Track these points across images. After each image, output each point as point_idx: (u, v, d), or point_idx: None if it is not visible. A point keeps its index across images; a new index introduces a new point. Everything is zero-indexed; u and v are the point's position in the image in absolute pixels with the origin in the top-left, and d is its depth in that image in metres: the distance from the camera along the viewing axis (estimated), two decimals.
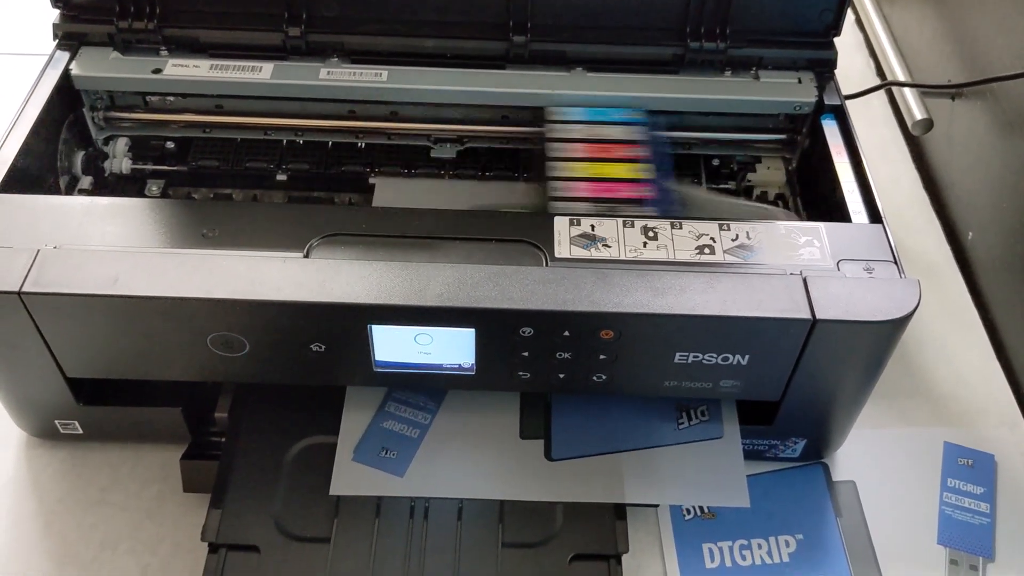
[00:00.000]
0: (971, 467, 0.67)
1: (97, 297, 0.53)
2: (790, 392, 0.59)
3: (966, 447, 0.68)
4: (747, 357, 0.56)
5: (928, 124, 0.84)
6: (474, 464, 0.60)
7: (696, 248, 0.58)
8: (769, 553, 0.61)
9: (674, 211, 0.63)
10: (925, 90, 0.87)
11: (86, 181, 0.70)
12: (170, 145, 0.74)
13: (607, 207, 0.62)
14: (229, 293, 0.53)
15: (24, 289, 0.52)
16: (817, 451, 0.66)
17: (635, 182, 0.64)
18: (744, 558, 0.61)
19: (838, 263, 0.57)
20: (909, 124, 0.86)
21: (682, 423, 0.62)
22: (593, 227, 0.59)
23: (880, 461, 0.67)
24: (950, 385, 0.72)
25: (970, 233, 0.82)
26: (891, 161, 0.91)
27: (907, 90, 0.88)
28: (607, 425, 0.62)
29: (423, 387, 0.60)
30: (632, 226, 0.59)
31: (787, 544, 0.62)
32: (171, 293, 0.53)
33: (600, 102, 0.71)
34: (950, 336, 0.76)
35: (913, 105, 0.86)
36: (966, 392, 0.72)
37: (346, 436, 0.60)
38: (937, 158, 0.89)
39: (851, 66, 1.00)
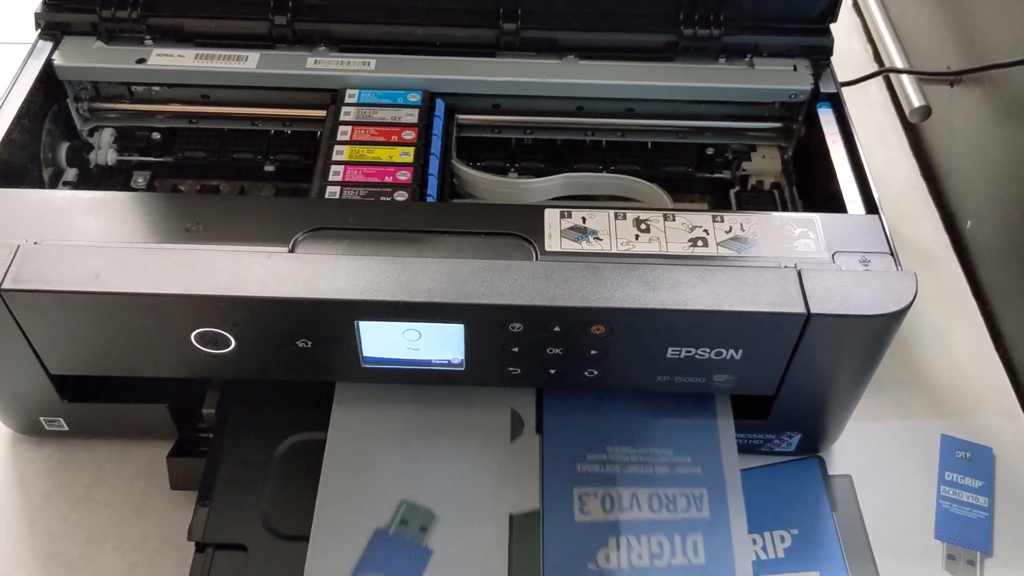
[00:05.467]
0: (969, 460, 0.66)
1: (78, 294, 0.52)
2: (785, 386, 0.58)
3: (964, 440, 0.67)
4: (740, 351, 0.55)
5: (926, 111, 0.83)
6: None
7: (689, 241, 0.57)
8: (764, 548, 0.61)
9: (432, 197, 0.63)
10: (923, 77, 0.86)
11: (71, 173, 0.69)
12: (156, 136, 0.73)
13: (366, 191, 0.62)
14: (213, 289, 0.52)
15: (3, 286, 0.51)
16: (813, 445, 0.65)
17: (397, 166, 0.63)
18: None
19: (833, 255, 0.56)
20: (907, 111, 0.85)
21: None
22: (584, 220, 0.58)
23: (876, 454, 0.66)
24: (947, 376, 0.71)
25: (968, 222, 0.81)
26: (889, 148, 0.90)
27: (905, 77, 0.87)
28: None
29: (412, 382, 0.59)
30: (624, 218, 0.58)
31: (782, 539, 0.61)
32: (153, 289, 0.52)
33: (591, 91, 0.70)
34: (948, 326, 0.75)
35: (911, 92, 0.85)
36: (964, 383, 0.71)
37: None
38: (935, 145, 0.88)
39: (848, 51, 0.99)
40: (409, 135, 0.66)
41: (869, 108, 0.93)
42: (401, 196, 0.62)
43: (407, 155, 0.65)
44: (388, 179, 0.63)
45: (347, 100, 0.68)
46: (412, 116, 0.67)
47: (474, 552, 0.55)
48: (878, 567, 0.61)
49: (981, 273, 0.79)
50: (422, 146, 0.65)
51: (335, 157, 0.64)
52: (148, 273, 0.52)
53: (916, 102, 0.83)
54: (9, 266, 0.52)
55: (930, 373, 0.72)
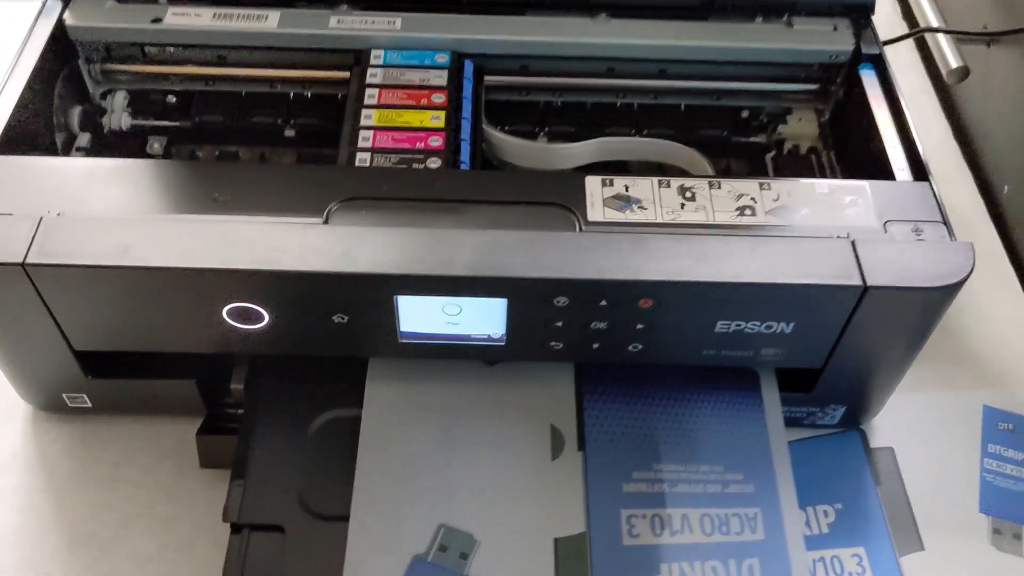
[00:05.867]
0: (1012, 432, 0.65)
1: (107, 268, 0.49)
2: (833, 360, 0.56)
3: (1007, 411, 0.66)
4: (792, 325, 0.53)
5: (964, 72, 0.80)
6: None
7: (736, 209, 0.55)
8: (808, 524, 0.59)
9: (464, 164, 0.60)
10: (960, 37, 0.83)
11: (84, 138, 0.66)
12: (171, 99, 0.70)
13: (398, 158, 0.59)
14: (248, 263, 0.50)
15: (28, 260, 0.49)
16: (855, 418, 0.64)
17: (428, 131, 0.61)
18: None
19: (885, 224, 0.55)
20: (944, 72, 0.82)
21: None
22: (627, 187, 0.56)
23: (918, 426, 0.65)
24: (989, 346, 0.70)
25: (1006, 186, 0.79)
26: (920, 110, 0.88)
27: (941, 37, 0.84)
28: None
29: (448, 357, 0.57)
30: (668, 186, 0.56)
31: (826, 514, 0.60)
32: (186, 264, 0.49)
33: (623, 51, 0.68)
34: (987, 295, 0.73)
35: (948, 53, 0.82)
36: (1006, 353, 0.70)
37: None
38: (970, 108, 0.85)
39: (877, 11, 0.96)
40: (439, 98, 0.63)
41: (900, 69, 0.90)
42: (434, 163, 0.59)
43: (438, 119, 0.62)
44: (420, 145, 0.60)
45: (372, 61, 0.65)
46: (441, 78, 0.65)
47: None
48: (923, 542, 0.60)
49: (1019, 238, 0.77)
50: (453, 110, 0.63)
51: (364, 122, 0.62)
52: (179, 246, 0.50)
53: (954, 63, 0.80)
54: (33, 239, 0.50)
55: (970, 343, 0.70)
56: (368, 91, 0.64)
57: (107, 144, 0.68)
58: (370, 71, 0.65)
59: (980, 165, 0.83)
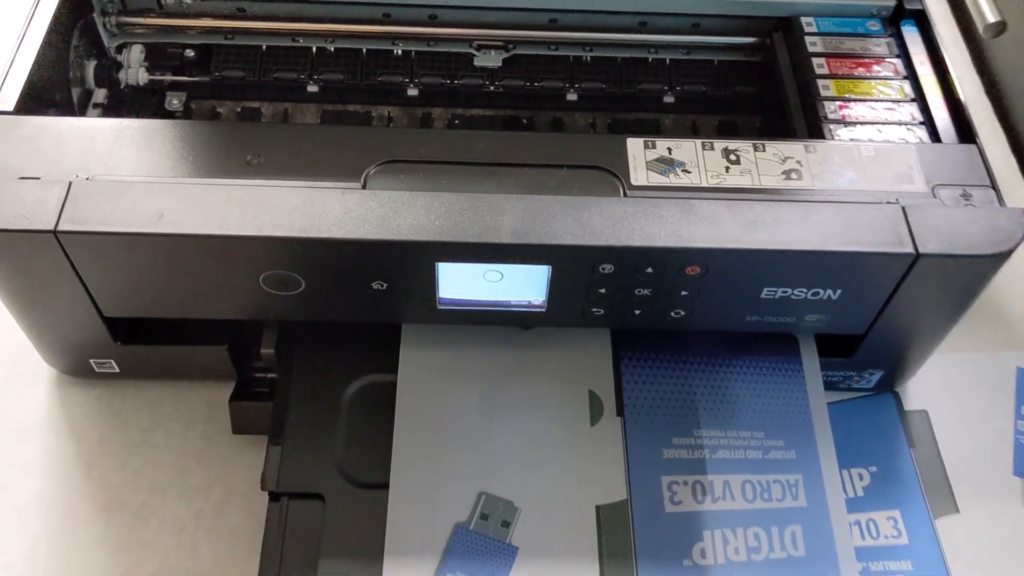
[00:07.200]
0: None
1: (141, 236, 0.48)
2: (876, 326, 0.55)
3: None
4: (839, 292, 0.52)
5: (1001, 26, 0.78)
6: None
7: (782, 173, 0.54)
8: (843, 487, 0.59)
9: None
10: None
11: (100, 94, 0.64)
12: (189, 54, 0.67)
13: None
14: (286, 231, 0.48)
15: (60, 228, 0.47)
16: (891, 381, 0.63)
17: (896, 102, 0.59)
18: None
19: (933, 189, 0.53)
20: (979, 27, 0.80)
21: None
22: (670, 150, 0.54)
23: (952, 389, 0.65)
24: (1022, 308, 0.69)
25: None
26: (950, 66, 0.85)
27: None
28: None
29: (486, 323, 0.56)
30: (712, 149, 0.55)
31: (860, 477, 0.60)
32: (223, 231, 0.48)
33: (655, 4, 0.66)
34: (1021, 257, 0.72)
35: (984, 6, 0.80)
36: None
37: None
38: (1004, 64, 0.83)
39: None
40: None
41: None
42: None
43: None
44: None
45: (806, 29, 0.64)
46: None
47: (562, 548, 0.52)
48: (958, 504, 0.60)
49: None
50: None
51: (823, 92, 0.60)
52: (216, 213, 0.48)
53: (991, 17, 0.78)
54: (64, 204, 0.48)
55: (1003, 304, 0.70)
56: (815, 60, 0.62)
57: (124, 100, 0.66)
58: (808, 39, 0.63)
59: (1013, 123, 0.81)
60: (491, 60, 0.68)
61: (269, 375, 0.60)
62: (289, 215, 0.48)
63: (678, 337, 0.59)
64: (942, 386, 0.65)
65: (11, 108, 0.54)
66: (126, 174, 0.51)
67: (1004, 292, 0.70)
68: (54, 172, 0.50)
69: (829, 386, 0.62)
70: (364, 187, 0.51)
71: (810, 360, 0.59)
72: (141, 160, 0.52)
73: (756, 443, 0.56)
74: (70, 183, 0.49)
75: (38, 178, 0.49)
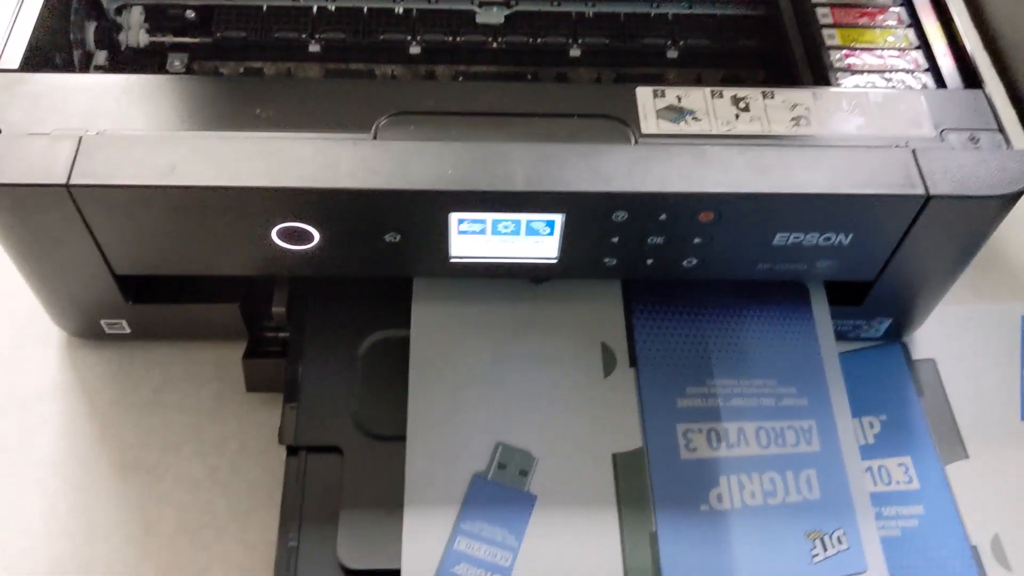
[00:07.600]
0: None
1: (154, 188, 0.48)
2: (886, 272, 0.56)
3: None
4: (850, 236, 0.53)
5: None
6: None
7: (792, 120, 0.54)
8: (854, 436, 0.60)
9: None
10: None
11: (101, 56, 0.64)
12: (190, 15, 0.67)
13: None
14: (300, 181, 0.48)
15: (72, 181, 0.47)
16: (899, 331, 0.64)
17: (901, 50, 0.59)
18: None
19: (941, 133, 0.54)
20: None
21: (816, 555, 0.52)
22: (679, 98, 0.54)
23: (958, 338, 0.65)
24: None
25: None
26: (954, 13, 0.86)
27: None
28: (725, 562, 0.51)
29: (498, 275, 0.56)
30: (721, 97, 0.55)
31: (871, 425, 0.61)
32: (236, 182, 0.48)
33: None
34: (1022, 204, 0.73)
35: None
36: None
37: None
38: (1002, 14, 0.84)
39: None
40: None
41: None
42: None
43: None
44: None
45: None
46: None
47: (580, 496, 0.52)
48: (967, 451, 0.60)
49: None
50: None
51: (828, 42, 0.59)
52: (228, 165, 0.48)
53: None
54: (75, 159, 0.48)
55: (1008, 254, 0.70)
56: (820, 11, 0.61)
57: (125, 62, 0.65)
58: None
59: (1011, 74, 0.82)
60: (493, 17, 0.68)
61: (281, 334, 0.60)
62: (302, 166, 0.48)
63: (689, 288, 0.59)
64: (949, 336, 0.65)
65: (16, 67, 0.53)
66: (136, 129, 0.50)
67: (1009, 243, 0.71)
68: (63, 128, 0.50)
69: (838, 336, 0.62)
70: (375, 138, 0.51)
71: (820, 308, 0.59)
72: (150, 115, 0.51)
73: (769, 391, 0.56)
74: (80, 138, 0.49)
75: (47, 134, 0.49)
